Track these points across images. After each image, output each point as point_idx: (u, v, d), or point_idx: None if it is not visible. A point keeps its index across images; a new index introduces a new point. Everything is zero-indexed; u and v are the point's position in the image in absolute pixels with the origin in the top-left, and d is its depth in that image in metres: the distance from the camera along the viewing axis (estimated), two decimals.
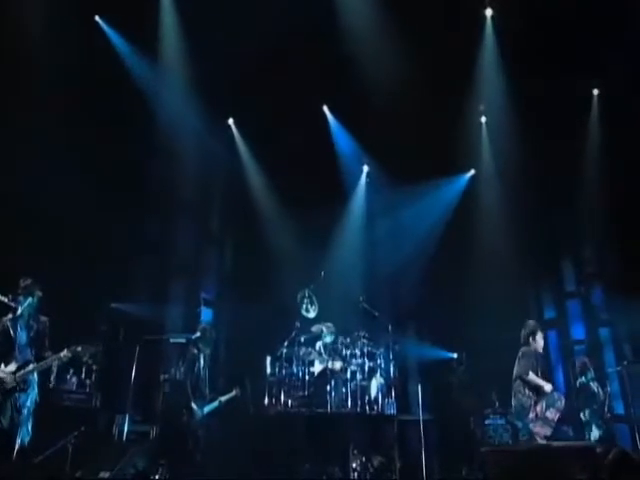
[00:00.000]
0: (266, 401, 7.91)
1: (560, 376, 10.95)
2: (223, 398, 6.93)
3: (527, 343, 6.60)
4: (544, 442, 5.62)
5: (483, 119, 10.99)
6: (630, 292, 9.09)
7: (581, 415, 8.14)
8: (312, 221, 9.61)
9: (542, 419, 5.90)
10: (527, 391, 6.15)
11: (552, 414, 5.95)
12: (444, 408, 10.06)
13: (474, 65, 9.87)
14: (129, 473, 5.26)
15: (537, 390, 6.14)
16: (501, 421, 8.96)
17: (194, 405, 6.40)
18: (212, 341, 6.99)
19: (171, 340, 6.70)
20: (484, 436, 8.97)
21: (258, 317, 9.02)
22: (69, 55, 7.95)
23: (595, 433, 7.91)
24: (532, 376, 6.25)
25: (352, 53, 9.34)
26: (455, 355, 10.44)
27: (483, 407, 9.25)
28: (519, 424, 6.04)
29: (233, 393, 7.06)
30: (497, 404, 9.05)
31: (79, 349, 5.40)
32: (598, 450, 4.77)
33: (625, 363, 9.16)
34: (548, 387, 6.17)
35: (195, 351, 6.63)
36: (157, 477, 5.49)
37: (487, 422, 9.10)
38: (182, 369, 6.62)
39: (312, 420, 7.30)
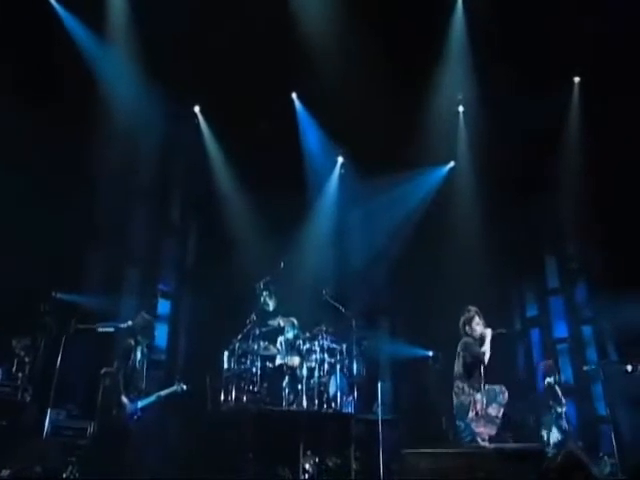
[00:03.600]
0: (222, 397, 7.54)
1: (542, 375, 10.58)
2: (162, 393, 6.56)
3: (465, 334, 6.19)
4: (486, 443, 5.20)
5: (460, 108, 10.59)
6: (614, 289, 8.76)
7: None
8: (279, 212, 9.29)
9: (484, 417, 5.47)
10: (467, 389, 5.74)
11: (495, 410, 5.54)
12: (417, 407, 9.72)
13: (448, 52, 9.51)
14: (34, 471, 4.89)
15: (478, 386, 5.73)
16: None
17: (124, 399, 6.04)
18: (152, 333, 6.63)
19: (99, 329, 6.33)
20: (457, 437, 8.60)
21: (220, 310, 8.70)
22: (19, 36, 7.65)
23: (555, 435, 7.53)
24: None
25: (320, 40, 9.01)
26: (430, 353, 10.04)
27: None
28: (461, 425, 5.62)
29: (173, 388, 6.68)
30: None
31: None
32: (547, 453, 4.40)
33: (603, 362, 8.85)
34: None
35: (131, 342, 6.27)
36: (65, 475, 5.13)
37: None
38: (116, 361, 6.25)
39: (262, 417, 6.91)
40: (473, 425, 5.44)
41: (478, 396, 5.60)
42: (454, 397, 5.88)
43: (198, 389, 7.72)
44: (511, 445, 5.79)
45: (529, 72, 9.07)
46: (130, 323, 6.28)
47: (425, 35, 9.11)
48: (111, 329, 6.34)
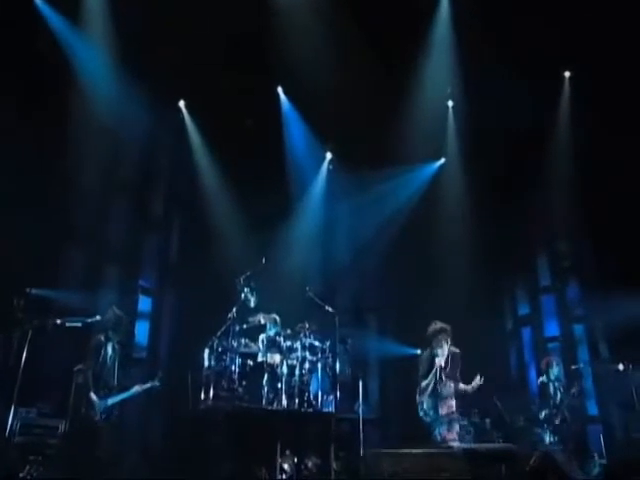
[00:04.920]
0: (202, 395, 7.37)
1: (533, 374, 10.44)
2: (133, 390, 6.37)
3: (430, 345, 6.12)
4: (456, 443, 5.07)
5: (450, 103, 10.44)
6: (606, 287, 8.65)
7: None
8: (264, 208, 9.16)
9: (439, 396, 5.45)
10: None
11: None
12: (405, 407, 9.55)
13: (437, 46, 9.38)
14: None
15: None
16: (463, 422, 8.43)
17: (94, 396, 5.88)
18: (124, 329, 6.47)
19: (67, 324, 6.17)
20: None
21: (202, 307, 8.54)
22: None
23: (547, 436, 7.40)
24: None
25: (306, 34, 8.88)
26: (419, 351, 9.87)
27: None
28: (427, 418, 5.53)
29: (148, 385, 6.51)
30: None
31: None
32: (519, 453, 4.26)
33: (595, 361, 8.73)
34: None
35: (101, 338, 6.12)
36: (21, 475, 4.97)
37: None
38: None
39: (239, 416, 6.73)
40: (429, 406, 5.56)
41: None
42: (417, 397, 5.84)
43: (179, 387, 7.58)
44: (483, 445, 5.62)
45: (519, 67, 8.94)
46: (98, 318, 6.14)
47: (413, 29, 9.04)
48: (78, 324, 6.17)
